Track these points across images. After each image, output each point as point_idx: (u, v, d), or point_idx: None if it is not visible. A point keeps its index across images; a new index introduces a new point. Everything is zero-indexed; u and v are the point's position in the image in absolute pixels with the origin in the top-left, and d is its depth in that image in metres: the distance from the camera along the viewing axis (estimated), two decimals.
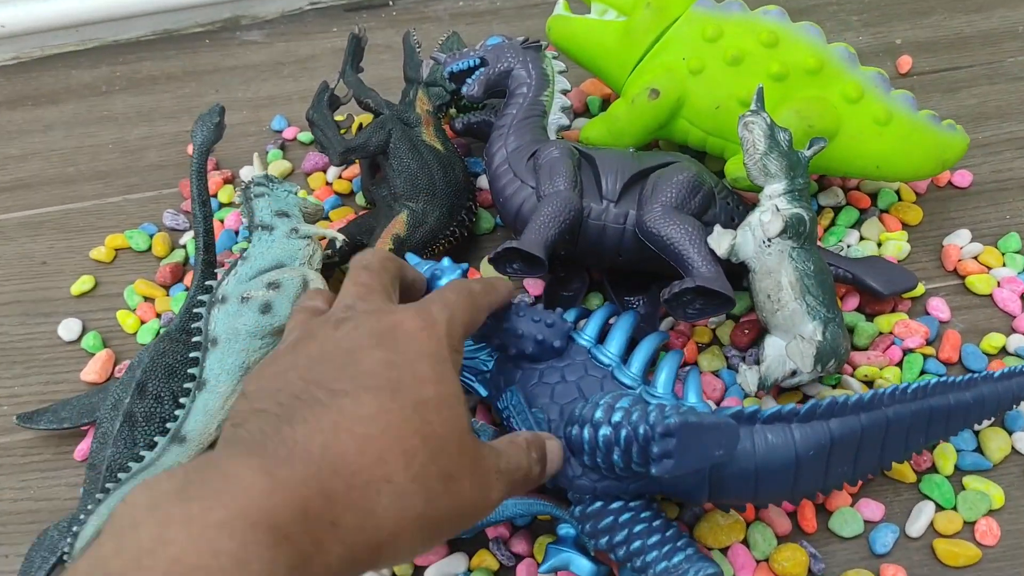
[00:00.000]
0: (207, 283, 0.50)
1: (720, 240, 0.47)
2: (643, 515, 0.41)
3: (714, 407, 0.43)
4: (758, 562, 0.45)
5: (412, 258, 0.49)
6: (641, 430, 0.36)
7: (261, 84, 0.72)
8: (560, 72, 0.56)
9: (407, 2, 0.79)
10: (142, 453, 0.45)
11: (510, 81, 0.54)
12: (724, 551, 0.45)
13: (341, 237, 0.53)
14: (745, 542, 0.45)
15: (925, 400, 0.42)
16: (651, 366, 0.46)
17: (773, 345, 0.47)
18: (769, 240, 0.46)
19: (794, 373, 0.47)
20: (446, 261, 0.46)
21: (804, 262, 0.46)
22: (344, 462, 0.28)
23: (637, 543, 0.40)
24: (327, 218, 0.61)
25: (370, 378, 0.31)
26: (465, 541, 0.46)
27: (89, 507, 0.44)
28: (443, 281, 0.44)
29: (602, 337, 0.46)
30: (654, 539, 0.40)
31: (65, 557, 0.44)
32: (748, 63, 0.53)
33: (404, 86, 0.61)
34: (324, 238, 0.53)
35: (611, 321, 0.47)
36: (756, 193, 0.50)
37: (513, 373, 0.45)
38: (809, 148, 0.48)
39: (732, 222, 0.50)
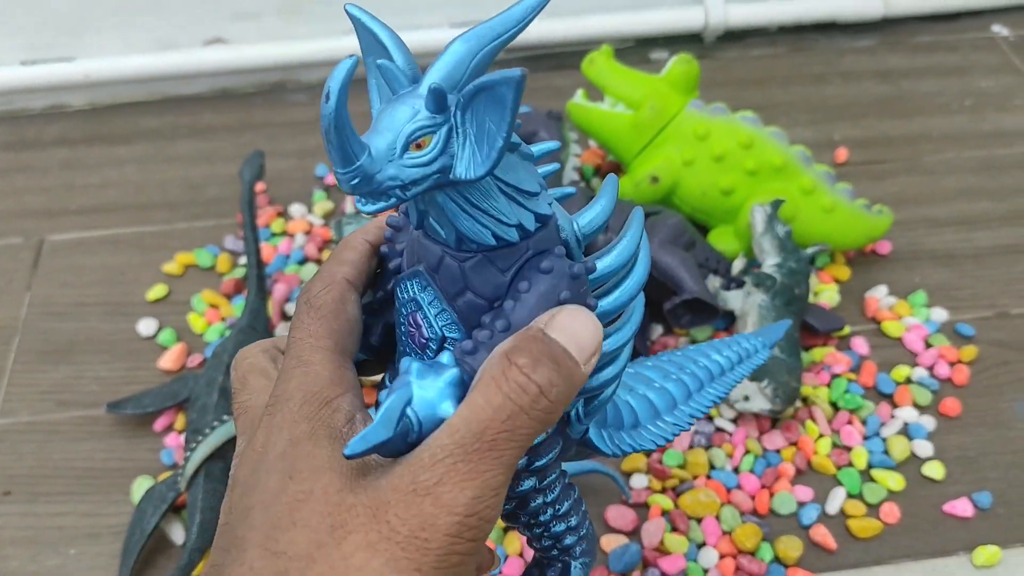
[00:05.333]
0: (263, 288, 0.64)
1: (711, 282, 0.63)
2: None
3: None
4: (724, 533, 0.57)
5: None
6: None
7: (306, 138, 0.85)
8: (574, 141, 0.70)
9: None
10: None
11: (535, 140, 0.68)
12: (699, 520, 0.57)
13: None
14: (717, 517, 0.57)
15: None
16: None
17: None
18: (749, 293, 0.62)
19: (746, 398, 0.60)
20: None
21: (768, 311, 0.61)
22: None
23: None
24: None
25: None
26: None
27: (192, 446, 0.55)
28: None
29: None
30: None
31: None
32: (729, 160, 0.68)
33: None
34: None
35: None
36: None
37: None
38: (809, 248, 0.65)
39: (707, 261, 0.65)
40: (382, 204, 0.26)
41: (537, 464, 0.33)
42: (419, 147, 0.25)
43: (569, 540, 0.37)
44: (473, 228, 0.27)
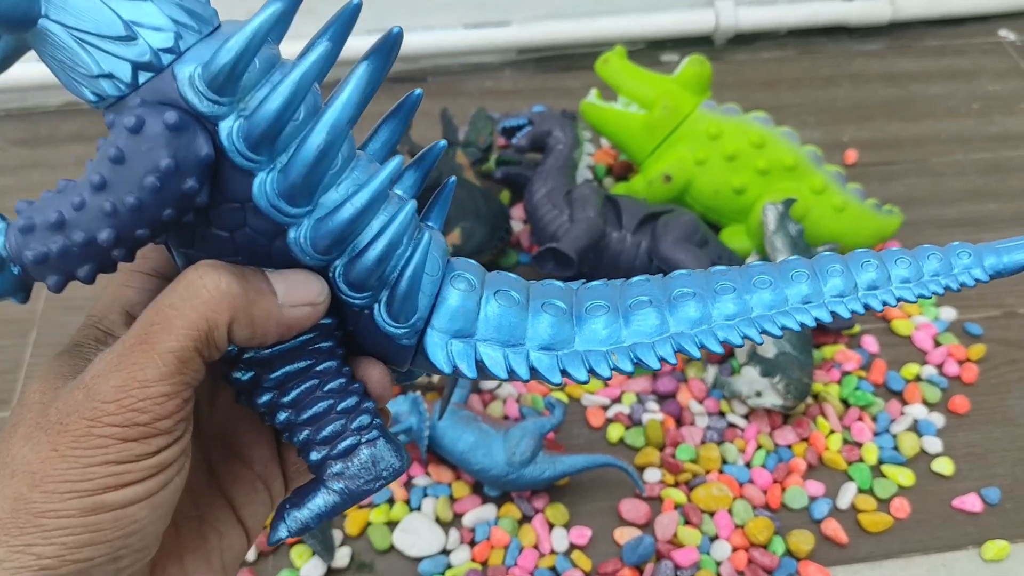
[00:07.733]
0: None
1: None
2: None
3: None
4: (737, 526, 0.57)
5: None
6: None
7: None
8: (588, 140, 0.71)
9: (441, 79, 0.94)
10: None
11: (550, 139, 0.69)
12: (712, 514, 0.58)
13: None
14: (729, 510, 0.58)
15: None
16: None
17: (747, 373, 0.61)
18: None
19: (759, 394, 0.61)
20: None
21: None
22: None
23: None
24: None
25: None
26: (495, 496, 0.59)
27: None
28: None
29: None
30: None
31: None
32: (741, 160, 0.69)
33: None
34: None
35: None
36: None
37: None
38: (820, 247, 0.65)
39: (719, 259, 0.65)
40: None
41: (272, 376, 0.30)
42: None
43: (314, 456, 0.30)
44: (71, 86, 0.26)
